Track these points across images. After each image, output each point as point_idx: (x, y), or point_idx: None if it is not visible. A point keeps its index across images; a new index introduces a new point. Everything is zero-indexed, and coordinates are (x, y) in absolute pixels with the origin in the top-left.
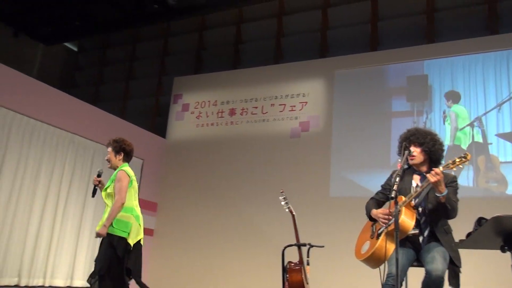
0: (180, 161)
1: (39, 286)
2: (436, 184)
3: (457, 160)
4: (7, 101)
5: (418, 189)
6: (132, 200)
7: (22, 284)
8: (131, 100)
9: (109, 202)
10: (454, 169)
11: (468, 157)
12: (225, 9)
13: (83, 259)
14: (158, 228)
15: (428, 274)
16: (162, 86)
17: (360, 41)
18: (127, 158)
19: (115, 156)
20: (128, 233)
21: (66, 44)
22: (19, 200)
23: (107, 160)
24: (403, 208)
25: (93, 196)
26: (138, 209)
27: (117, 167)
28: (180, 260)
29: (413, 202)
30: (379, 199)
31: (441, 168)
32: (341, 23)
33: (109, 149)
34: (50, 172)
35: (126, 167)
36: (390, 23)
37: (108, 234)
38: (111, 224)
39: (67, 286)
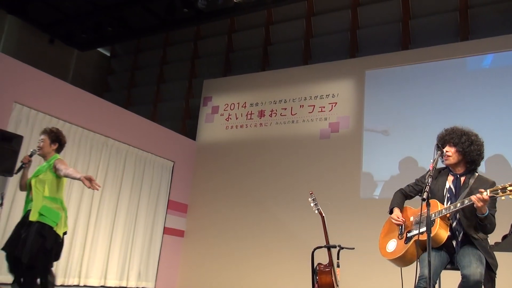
0: (210, 163)
1: (74, 285)
2: (479, 206)
3: (509, 188)
4: (42, 106)
5: (458, 206)
6: (62, 192)
7: (58, 283)
8: (162, 103)
9: (39, 188)
10: (503, 197)
11: None
12: (254, 11)
13: (116, 259)
14: (189, 229)
15: (465, 279)
16: (192, 89)
17: (391, 40)
18: (60, 149)
19: (50, 145)
20: (57, 224)
21: (99, 49)
22: None
23: (39, 147)
24: (438, 220)
25: (16, 172)
26: (64, 203)
27: (48, 156)
28: (210, 260)
29: (448, 214)
30: (408, 193)
31: (488, 192)
32: (371, 22)
33: (44, 136)
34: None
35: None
36: (422, 21)
37: (38, 222)
38: (42, 213)
39: (101, 286)
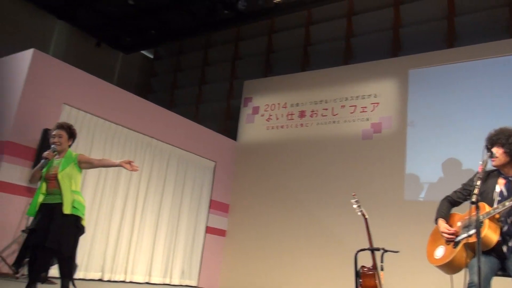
0: (251, 163)
1: (120, 281)
2: None
3: None
4: (90, 107)
5: (506, 204)
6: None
7: (105, 279)
8: (204, 104)
9: (67, 182)
10: None
11: None
12: (294, 11)
13: (160, 257)
14: (230, 229)
15: None
16: (233, 89)
17: (435, 38)
18: (72, 144)
19: (68, 140)
20: (83, 216)
21: (143, 52)
22: (102, 200)
23: (58, 143)
24: (487, 221)
25: (41, 169)
26: None
27: (64, 151)
28: (251, 260)
29: (498, 214)
30: (456, 199)
31: None
32: (414, 19)
33: (62, 132)
34: (129, 173)
35: None
36: (468, 18)
37: (72, 215)
38: (75, 206)
39: (146, 282)
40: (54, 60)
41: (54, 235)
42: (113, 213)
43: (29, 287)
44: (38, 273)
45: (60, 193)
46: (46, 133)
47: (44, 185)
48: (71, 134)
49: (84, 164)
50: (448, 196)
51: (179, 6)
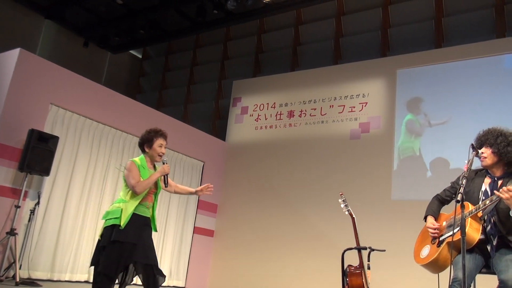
0: (239, 163)
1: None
2: (508, 202)
3: None
4: (77, 107)
5: (487, 203)
6: None
7: (92, 280)
8: (193, 104)
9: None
10: None
11: None
12: (283, 11)
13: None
14: (218, 229)
15: (503, 284)
16: (222, 90)
17: (423, 38)
18: None
19: None
20: None
21: (131, 52)
22: (89, 200)
23: (164, 153)
24: (469, 220)
25: (166, 186)
26: None
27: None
28: (239, 260)
29: (480, 213)
30: (445, 198)
31: None
32: (403, 20)
33: (166, 142)
34: (117, 174)
35: None
36: (456, 19)
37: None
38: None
39: (133, 284)
40: (41, 60)
41: (154, 252)
42: (100, 213)
43: None
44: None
45: (152, 208)
46: (32, 133)
47: (140, 196)
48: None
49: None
50: (437, 195)
51: (168, 6)
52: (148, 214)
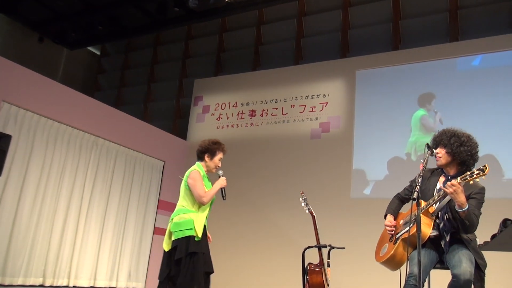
0: None
1: (63, 286)
2: (453, 196)
3: (475, 172)
4: (32, 105)
5: (436, 198)
6: None
7: (47, 284)
8: (153, 102)
9: None
10: (471, 182)
11: (486, 171)
12: (245, 11)
13: (106, 260)
14: None
15: (456, 278)
16: (183, 88)
17: (381, 40)
18: None
19: None
20: None
21: (89, 48)
22: (44, 201)
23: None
24: (420, 215)
25: (225, 198)
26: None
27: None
28: None
29: (433, 208)
30: (404, 196)
31: (459, 179)
32: (362, 22)
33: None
34: (73, 174)
35: None
36: (412, 22)
37: None
38: None
39: (91, 287)
40: None
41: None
42: (56, 215)
43: None
44: None
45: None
46: None
47: (207, 206)
48: None
49: None
50: (398, 194)
51: (128, 2)
52: (206, 223)
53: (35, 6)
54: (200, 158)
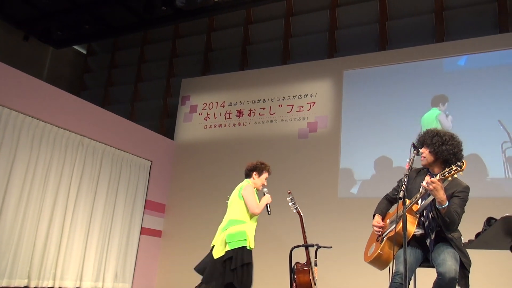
0: (188, 163)
1: None
2: (433, 193)
3: (453, 168)
4: (16, 104)
5: (418, 196)
6: None
7: (32, 286)
8: (140, 102)
9: None
10: (450, 178)
11: (463, 166)
12: (233, 10)
13: (92, 260)
14: (167, 229)
15: (441, 276)
16: (170, 88)
17: (368, 41)
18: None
19: None
20: None
21: (76, 47)
22: (29, 201)
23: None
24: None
25: (270, 213)
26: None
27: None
28: (188, 260)
29: (417, 206)
30: (392, 196)
31: (438, 176)
32: (349, 23)
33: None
34: (59, 174)
35: None
36: (399, 23)
37: None
38: None
39: (76, 287)
40: None
41: None
42: (41, 215)
43: None
44: None
45: None
46: None
47: (256, 218)
48: None
49: None
50: (387, 194)
51: (115, 0)
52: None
53: (20, 4)
54: (248, 176)
